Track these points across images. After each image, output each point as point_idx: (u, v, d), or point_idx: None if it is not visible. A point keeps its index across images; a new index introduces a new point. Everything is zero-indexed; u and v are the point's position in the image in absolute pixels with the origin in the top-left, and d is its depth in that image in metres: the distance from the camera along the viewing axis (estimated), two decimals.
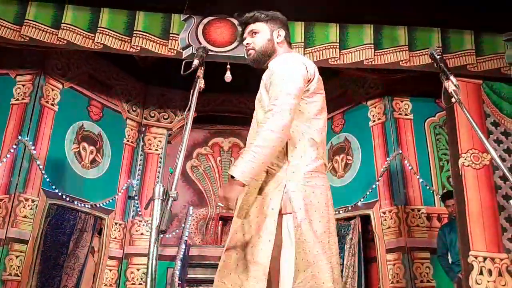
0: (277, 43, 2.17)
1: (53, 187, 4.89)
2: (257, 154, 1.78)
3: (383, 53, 4.65)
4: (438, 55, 2.22)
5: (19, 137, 4.75)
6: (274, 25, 2.18)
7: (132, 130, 6.07)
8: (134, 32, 4.61)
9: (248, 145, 1.95)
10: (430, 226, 4.87)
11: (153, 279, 1.30)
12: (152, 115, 6.31)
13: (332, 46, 4.65)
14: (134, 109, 6.16)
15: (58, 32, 4.49)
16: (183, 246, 5.83)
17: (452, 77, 2.13)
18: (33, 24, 4.48)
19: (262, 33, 2.16)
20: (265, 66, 2.17)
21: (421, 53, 4.65)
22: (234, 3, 4.65)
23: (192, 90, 1.96)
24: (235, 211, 1.95)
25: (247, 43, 2.17)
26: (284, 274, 1.83)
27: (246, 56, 2.21)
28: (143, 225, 5.79)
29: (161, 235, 1.36)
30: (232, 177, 1.78)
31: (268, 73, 2.08)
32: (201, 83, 2.02)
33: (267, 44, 2.14)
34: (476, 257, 3.85)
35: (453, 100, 2.13)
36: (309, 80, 2.01)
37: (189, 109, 1.87)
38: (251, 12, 2.19)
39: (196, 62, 2.02)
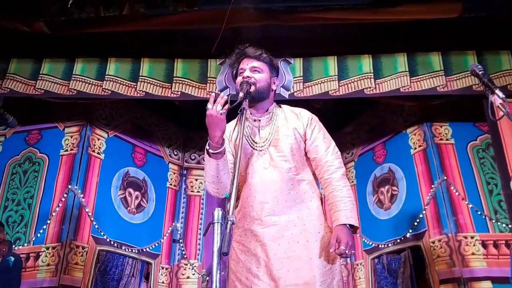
0: (271, 89, 2.21)
1: (102, 233, 5.00)
2: (354, 205, 2.06)
3: (419, 79, 4.66)
4: (480, 70, 2.20)
5: (69, 186, 4.94)
6: (273, 72, 2.22)
7: (174, 173, 6.20)
8: (174, 78, 4.83)
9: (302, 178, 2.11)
10: (487, 253, 4.62)
11: None
12: (193, 158, 6.44)
13: (366, 77, 4.70)
14: (175, 153, 6.32)
15: (103, 83, 4.77)
16: None
17: (497, 91, 2.10)
18: (80, 78, 4.79)
19: (264, 74, 2.16)
20: (255, 105, 2.19)
21: (457, 77, 4.63)
22: (263, 43, 4.83)
23: (240, 121, 2.01)
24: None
25: (248, 76, 2.13)
26: None
27: (242, 87, 2.07)
28: (189, 268, 5.79)
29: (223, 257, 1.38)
30: (351, 226, 1.97)
31: (304, 117, 2.20)
32: (247, 114, 2.08)
33: (266, 86, 2.16)
34: None
35: (501, 113, 2.09)
36: None
37: (239, 138, 1.90)
38: (258, 49, 2.20)
39: (241, 94, 2.08)
